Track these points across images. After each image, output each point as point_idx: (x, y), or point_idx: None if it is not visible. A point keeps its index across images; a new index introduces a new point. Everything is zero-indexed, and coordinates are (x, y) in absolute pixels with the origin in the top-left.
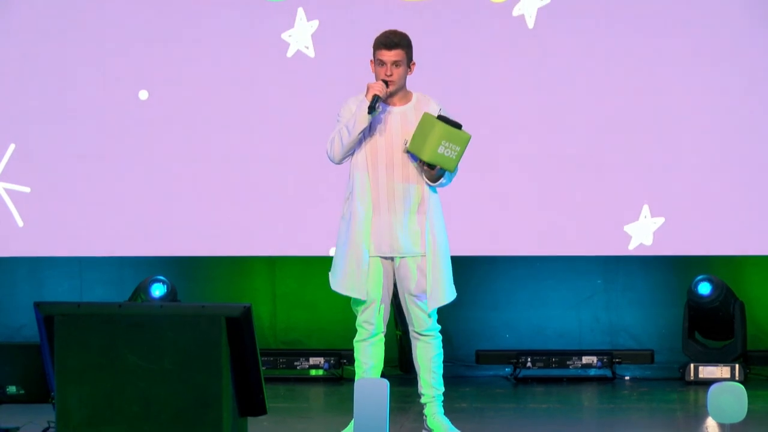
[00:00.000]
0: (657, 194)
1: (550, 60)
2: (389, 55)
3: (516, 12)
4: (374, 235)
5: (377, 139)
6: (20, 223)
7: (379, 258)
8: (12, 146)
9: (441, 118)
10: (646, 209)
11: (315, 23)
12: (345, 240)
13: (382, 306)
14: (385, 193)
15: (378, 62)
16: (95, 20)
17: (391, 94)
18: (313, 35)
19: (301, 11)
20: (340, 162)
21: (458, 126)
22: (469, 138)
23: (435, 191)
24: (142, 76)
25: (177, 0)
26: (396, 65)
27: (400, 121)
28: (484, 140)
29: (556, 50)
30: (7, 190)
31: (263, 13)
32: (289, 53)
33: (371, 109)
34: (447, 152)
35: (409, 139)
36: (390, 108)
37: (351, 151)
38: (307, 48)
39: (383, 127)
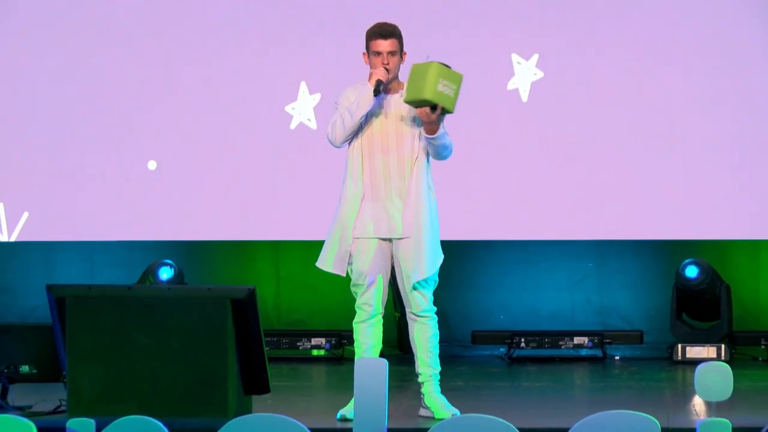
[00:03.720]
0: (647, 180)
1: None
2: (385, 45)
3: (510, 86)
4: (373, 218)
5: (373, 126)
6: None
7: (377, 240)
8: (26, 214)
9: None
10: None
11: (317, 96)
12: (333, 220)
13: (381, 288)
14: (381, 177)
15: (373, 53)
16: (104, 85)
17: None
18: (315, 108)
19: (303, 85)
20: (340, 145)
21: (449, 66)
22: (462, 77)
23: (423, 175)
24: (149, 144)
25: (182, 70)
26: (392, 54)
27: (394, 108)
28: (479, 133)
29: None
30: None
31: (267, 87)
32: (292, 125)
33: (377, 91)
34: (446, 90)
35: (405, 92)
36: (384, 95)
37: (352, 135)
38: (310, 120)
39: (378, 114)
